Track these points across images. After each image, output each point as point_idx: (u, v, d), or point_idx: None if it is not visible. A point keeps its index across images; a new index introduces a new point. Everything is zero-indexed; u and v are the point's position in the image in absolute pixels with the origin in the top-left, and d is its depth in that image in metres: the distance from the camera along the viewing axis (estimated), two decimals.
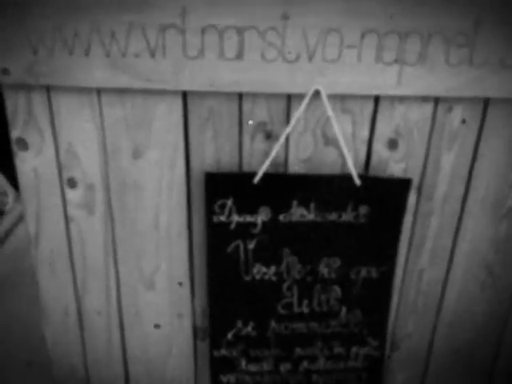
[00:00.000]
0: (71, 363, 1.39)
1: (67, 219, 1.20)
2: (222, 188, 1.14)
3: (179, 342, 1.36)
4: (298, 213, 1.17)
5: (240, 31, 1.00)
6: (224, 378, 1.35)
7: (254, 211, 1.17)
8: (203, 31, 1.00)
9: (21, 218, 2.73)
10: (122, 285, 1.29)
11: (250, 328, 1.30)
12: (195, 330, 1.36)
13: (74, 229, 1.22)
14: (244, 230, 1.19)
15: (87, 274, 1.27)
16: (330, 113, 1.07)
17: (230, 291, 1.25)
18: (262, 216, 1.17)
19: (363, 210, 1.18)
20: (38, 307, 1.31)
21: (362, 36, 1.01)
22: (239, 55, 1.02)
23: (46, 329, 1.34)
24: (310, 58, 1.03)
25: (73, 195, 1.18)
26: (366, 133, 1.13)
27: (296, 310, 1.28)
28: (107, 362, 1.39)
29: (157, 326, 1.34)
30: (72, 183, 1.16)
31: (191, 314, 1.33)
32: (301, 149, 1.14)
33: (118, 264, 1.26)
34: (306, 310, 1.29)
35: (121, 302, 1.31)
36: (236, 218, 1.17)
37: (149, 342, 1.36)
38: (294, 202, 1.16)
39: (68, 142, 1.12)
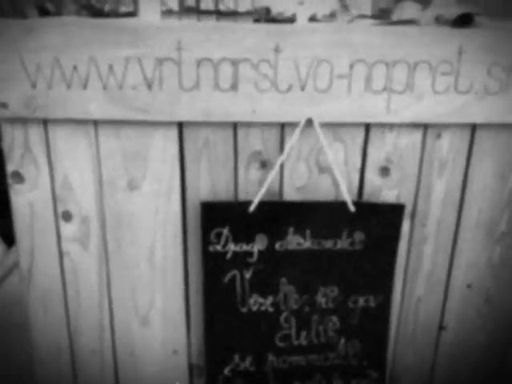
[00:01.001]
0: None
1: (61, 254, 1.19)
2: (217, 217, 1.15)
3: (175, 380, 1.33)
4: (295, 241, 1.18)
5: (234, 63, 1.03)
6: None
7: (250, 240, 1.17)
8: (198, 64, 1.03)
9: (9, 272, 2.70)
10: (115, 322, 1.26)
11: (247, 363, 1.27)
12: (191, 368, 1.32)
13: (67, 264, 1.20)
14: (240, 260, 1.18)
15: (80, 311, 1.25)
16: (323, 141, 1.09)
17: (226, 323, 1.23)
18: (258, 245, 1.17)
19: (358, 236, 1.18)
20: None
21: (351, 66, 1.05)
22: (233, 86, 1.05)
23: (37, 368, 1.30)
24: (302, 88, 1.06)
25: (67, 229, 1.17)
26: (358, 161, 1.16)
27: (294, 342, 1.26)
28: None
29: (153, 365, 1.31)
30: (67, 216, 1.16)
31: (187, 351, 1.30)
32: (295, 177, 1.16)
33: (112, 300, 1.24)
34: (304, 341, 1.27)
35: (115, 339, 1.28)
36: (232, 246, 1.17)
37: (144, 380, 1.32)
38: (290, 230, 1.17)
39: (64, 174, 1.13)
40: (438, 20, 1.06)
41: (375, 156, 1.15)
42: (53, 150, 1.11)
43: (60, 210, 1.16)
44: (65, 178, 1.13)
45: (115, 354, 1.29)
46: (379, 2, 1.45)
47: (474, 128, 1.14)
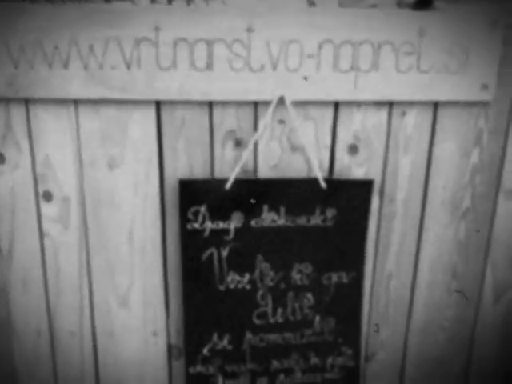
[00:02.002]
0: None
1: (42, 234, 1.21)
2: (195, 195, 1.19)
3: (154, 361, 1.34)
4: (269, 218, 1.22)
5: (209, 43, 1.09)
6: None
7: (226, 217, 1.21)
8: (175, 44, 1.08)
9: None
10: (95, 303, 1.28)
11: (225, 341, 1.30)
12: (170, 349, 1.34)
13: (48, 244, 1.22)
14: (217, 237, 1.22)
15: (60, 292, 1.26)
16: (295, 119, 1.15)
17: (205, 302, 1.26)
18: (234, 222, 1.21)
19: (330, 212, 1.23)
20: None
21: (320, 46, 1.11)
22: (209, 66, 1.10)
23: (16, 350, 1.30)
24: (274, 68, 1.12)
25: (48, 209, 1.20)
26: (328, 139, 1.21)
27: (271, 319, 1.30)
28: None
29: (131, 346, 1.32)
30: (47, 196, 1.19)
31: (166, 332, 1.32)
32: (269, 156, 1.21)
33: (92, 280, 1.26)
34: (280, 319, 1.30)
35: (94, 321, 1.30)
36: (209, 224, 1.21)
37: (123, 362, 1.33)
38: (265, 207, 1.21)
39: (44, 154, 1.16)
40: (400, 4, 1.13)
41: (344, 134, 1.21)
42: (34, 131, 1.14)
43: (41, 190, 1.18)
44: (46, 158, 1.16)
45: (94, 336, 1.31)
46: None
47: (436, 106, 1.21)
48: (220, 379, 1.32)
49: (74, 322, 1.29)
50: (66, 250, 1.23)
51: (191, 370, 1.30)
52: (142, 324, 1.31)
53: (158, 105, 1.15)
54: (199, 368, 1.31)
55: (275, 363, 1.33)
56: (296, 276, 1.28)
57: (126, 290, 1.28)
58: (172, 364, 1.35)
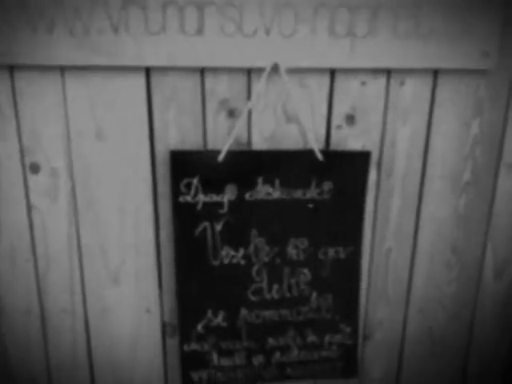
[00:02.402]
0: (32, 367, 1.31)
1: (29, 208, 1.18)
2: (187, 166, 1.15)
3: (147, 339, 1.31)
4: (264, 190, 1.18)
5: (199, 7, 1.05)
6: (195, 375, 1.30)
7: (220, 190, 1.17)
8: (164, 7, 1.04)
9: None
10: (86, 279, 1.25)
11: (220, 318, 1.27)
12: (164, 327, 1.31)
13: (36, 218, 1.19)
14: (211, 211, 1.19)
15: (50, 268, 1.23)
16: (289, 87, 1.11)
17: (198, 278, 1.23)
18: (228, 195, 1.18)
19: (327, 185, 1.20)
20: None
21: (315, 10, 1.07)
22: (199, 31, 1.06)
23: (6, 331, 1.27)
24: (267, 33, 1.08)
25: (35, 181, 1.16)
26: (324, 109, 1.18)
27: (266, 295, 1.27)
28: (71, 364, 1.31)
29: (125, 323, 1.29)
30: (35, 168, 1.15)
31: (159, 309, 1.29)
32: (263, 126, 1.17)
33: (83, 256, 1.23)
34: (276, 295, 1.27)
35: (86, 298, 1.26)
36: (202, 197, 1.17)
37: (116, 341, 1.30)
38: (260, 179, 1.18)
39: (31, 124, 1.12)
40: None
41: (341, 104, 1.18)
42: (19, 100, 1.10)
43: (28, 161, 1.15)
44: (32, 129, 1.13)
45: (86, 314, 1.28)
46: None
47: (436, 75, 1.17)
48: (215, 357, 1.29)
49: (65, 300, 1.26)
50: (54, 224, 1.20)
51: (185, 347, 1.27)
52: (134, 301, 1.27)
53: (148, 72, 1.11)
54: (194, 345, 1.28)
55: (271, 341, 1.30)
56: (292, 251, 1.24)
57: (118, 266, 1.25)
58: (166, 342, 1.32)
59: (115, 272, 1.25)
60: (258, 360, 1.31)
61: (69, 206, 1.19)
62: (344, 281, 1.28)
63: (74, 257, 1.23)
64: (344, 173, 1.19)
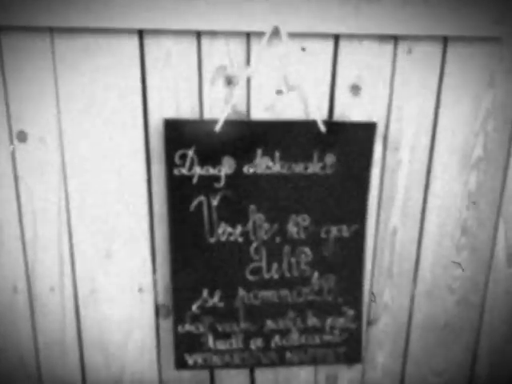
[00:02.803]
0: (20, 349, 1.25)
1: (16, 178, 1.12)
2: (182, 136, 1.09)
3: (140, 320, 1.25)
4: (263, 164, 1.13)
5: None
6: (190, 359, 1.24)
7: (216, 162, 1.11)
8: None
9: None
10: (76, 255, 1.19)
11: (216, 298, 1.21)
12: (157, 307, 1.25)
13: (23, 190, 1.13)
14: (207, 185, 1.13)
15: (38, 244, 1.17)
16: (291, 53, 1.05)
17: (194, 255, 1.17)
18: (225, 168, 1.12)
19: (330, 159, 1.14)
20: None
21: None
22: None
23: None
24: None
25: (23, 151, 1.11)
26: (327, 77, 1.11)
27: (265, 275, 1.21)
28: (60, 347, 1.26)
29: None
30: (22, 137, 1.10)
31: (152, 288, 1.23)
32: (263, 95, 1.11)
33: (72, 231, 1.17)
34: (275, 275, 1.21)
35: (75, 276, 1.21)
36: (198, 170, 1.11)
37: (106, 321, 1.25)
38: (258, 152, 1.12)
39: (19, 89, 1.07)
40: None
41: (345, 72, 1.11)
42: (6, 64, 1.05)
43: (15, 130, 1.09)
44: (20, 94, 1.07)
45: (76, 293, 1.22)
46: None
47: (445, 43, 1.11)
48: (210, 339, 1.23)
49: (54, 278, 1.20)
50: (43, 195, 1.14)
51: (179, 328, 1.22)
52: (126, 280, 1.22)
53: (141, 35, 1.05)
54: (188, 327, 1.22)
55: (270, 323, 1.24)
56: (292, 229, 1.18)
57: (110, 243, 1.19)
58: (159, 323, 1.27)
59: (106, 249, 1.19)
60: (255, 343, 1.25)
61: (58, 176, 1.13)
62: (347, 261, 1.22)
63: (63, 232, 1.17)
64: (348, 145, 1.13)
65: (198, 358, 1.24)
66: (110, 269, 1.20)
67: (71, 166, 1.13)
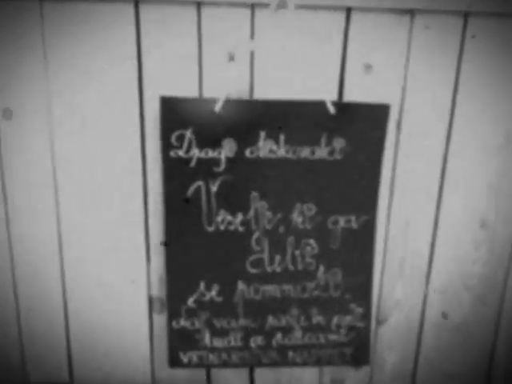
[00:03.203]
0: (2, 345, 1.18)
1: (1, 158, 1.05)
2: (180, 116, 1.01)
3: (132, 315, 1.17)
4: (267, 147, 1.04)
5: None
6: (184, 357, 1.16)
7: (216, 144, 1.03)
8: None
9: None
10: (63, 240, 1.11)
11: (214, 292, 1.13)
12: (150, 300, 1.17)
13: (8, 172, 1.06)
14: (206, 168, 1.05)
15: (24, 226, 1.10)
16: (295, 22, 0.97)
17: (190, 245, 1.09)
18: (225, 151, 1.04)
19: (338, 143, 1.05)
20: None
21: None
22: None
23: None
24: None
25: (8, 128, 1.03)
26: (338, 54, 1.03)
27: (267, 268, 1.12)
28: (46, 342, 1.18)
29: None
30: (8, 114, 1.02)
31: (146, 280, 1.15)
32: (268, 73, 1.03)
33: (60, 215, 1.10)
34: (278, 268, 1.12)
35: (63, 264, 1.13)
36: (196, 152, 1.03)
37: (96, 315, 1.17)
38: (262, 134, 1.03)
39: (6, 63, 0.99)
40: None
41: (357, 49, 1.03)
42: None
43: (0, 107, 1.02)
44: (6, 68, 0.99)
45: (64, 283, 1.14)
46: None
47: (465, 17, 1.02)
48: (207, 336, 1.15)
49: (41, 266, 1.13)
50: (33, 175, 1.07)
51: (174, 324, 1.13)
52: (118, 270, 1.14)
53: (137, 4, 0.97)
54: (183, 322, 1.13)
55: (271, 320, 1.15)
56: (297, 218, 1.10)
57: (100, 230, 1.11)
58: (153, 318, 1.18)
59: (97, 236, 1.11)
60: (255, 342, 1.16)
61: (45, 156, 1.06)
62: (356, 254, 1.13)
63: (50, 215, 1.09)
64: (359, 129, 1.05)
65: (194, 356, 1.16)
66: (99, 258, 1.12)
67: (60, 145, 1.05)
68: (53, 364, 1.20)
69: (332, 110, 1.02)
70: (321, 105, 1.02)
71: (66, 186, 1.08)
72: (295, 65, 1.02)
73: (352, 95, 1.05)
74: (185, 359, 1.16)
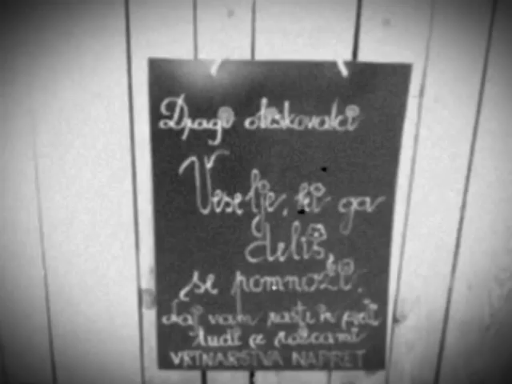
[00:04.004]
0: None
1: None
2: (170, 81, 0.89)
3: (120, 310, 1.04)
4: (269, 116, 0.91)
5: None
6: (176, 358, 1.03)
7: (211, 114, 0.91)
8: None
9: None
10: (45, 228, 0.99)
11: (209, 283, 1.00)
12: (140, 294, 1.04)
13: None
14: (200, 142, 0.92)
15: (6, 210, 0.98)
16: None
17: (182, 230, 0.97)
18: (222, 121, 0.91)
19: (352, 112, 0.92)
20: None
21: None
22: None
23: None
24: None
25: None
26: (353, 6, 0.89)
27: (269, 257, 0.99)
28: (27, 340, 1.06)
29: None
30: None
31: (135, 272, 1.02)
32: (271, 30, 0.90)
33: (41, 201, 0.97)
34: (281, 257, 0.99)
35: (44, 255, 1.00)
36: (189, 123, 0.91)
37: (81, 311, 1.04)
38: (264, 101, 0.90)
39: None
40: None
41: (374, 3, 0.89)
42: None
43: None
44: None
45: (46, 275, 1.02)
46: None
47: None
48: (201, 333, 1.02)
49: (23, 256, 1.00)
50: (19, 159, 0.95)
51: (164, 319, 1.01)
52: (103, 260, 1.01)
53: None
54: (174, 318, 1.01)
55: (273, 316, 1.03)
56: (304, 200, 0.96)
57: (85, 215, 0.98)
58: (142, 314, 1.05)
59: (81, 222, 0.99)
60: (255, 341, 1.04)
61: (26, 133, 0.93)
62: (371, 242, 1.00)
63: (32, 199, 0.97)
64: (375, 94, 0.91)
65: (186, 357, 1.03)
66: (83, 246, 1.00)
67: (42, 115, 0.93)
68: (35, 365, 1.07)
69: (345, 71, 0.89)
70: (332, 66, 0.89)
71: (46, 171, 0.96)
72: (302, 22, 0.89)
73: (368, 54, 0.91)
74: (176, 360, 1.03)
